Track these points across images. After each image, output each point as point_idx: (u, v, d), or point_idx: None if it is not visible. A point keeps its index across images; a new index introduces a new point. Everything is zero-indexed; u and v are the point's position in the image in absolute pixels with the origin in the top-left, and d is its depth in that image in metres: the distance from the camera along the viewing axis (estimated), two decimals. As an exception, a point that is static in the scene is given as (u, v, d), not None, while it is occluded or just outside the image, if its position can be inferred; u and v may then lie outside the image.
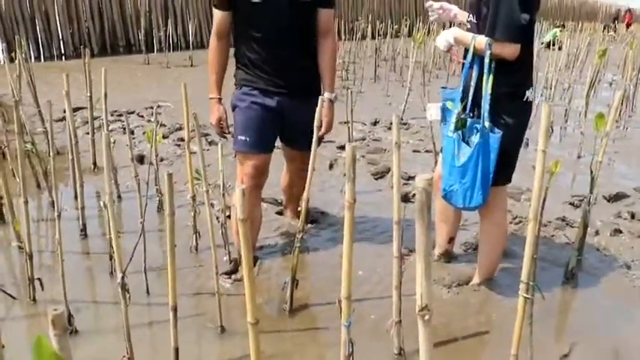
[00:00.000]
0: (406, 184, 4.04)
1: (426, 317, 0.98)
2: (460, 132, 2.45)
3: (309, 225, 3.38)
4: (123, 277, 1.85)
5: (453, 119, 2.46)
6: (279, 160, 3.31)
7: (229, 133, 2.80)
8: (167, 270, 1.71)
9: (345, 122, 4.84)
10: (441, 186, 2.54)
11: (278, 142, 3.04)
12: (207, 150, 4.68)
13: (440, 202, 2.77)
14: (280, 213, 3.51)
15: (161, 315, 2.30)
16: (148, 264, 2.66)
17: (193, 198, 2.93)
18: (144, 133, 5.09)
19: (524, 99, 2.46)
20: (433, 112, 2.54)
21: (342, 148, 4.94)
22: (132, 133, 5.15)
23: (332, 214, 3.56)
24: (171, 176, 1.53)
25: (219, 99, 2.81)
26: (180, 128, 5.30)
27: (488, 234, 2.65)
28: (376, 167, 4.47)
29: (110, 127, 5.12)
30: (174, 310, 1.67)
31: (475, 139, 2.40)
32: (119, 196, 3.78)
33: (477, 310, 2.55)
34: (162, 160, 4.49)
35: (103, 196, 3.49)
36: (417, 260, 0.99)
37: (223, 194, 2.88)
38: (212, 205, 3.54)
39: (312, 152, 2.42)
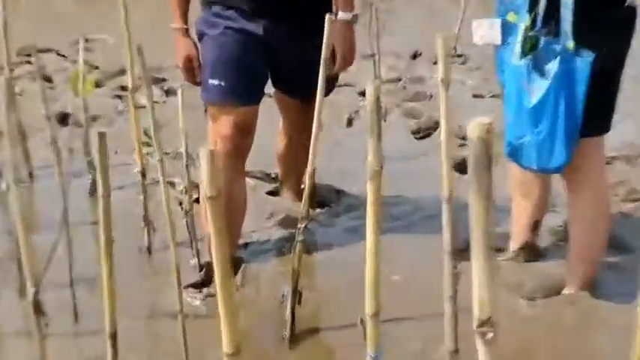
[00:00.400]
0: (462, 144, 4.00)
1: (489, 337, 0.95)
2: (531, 57, 2.43)
3: (318, 210, 3.37)
4: (36, 295, 1.83)
5: (518, 39, 2.44)
6: (271, 112, 3.27)
7: None
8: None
9: (370, 55, 4.79)
10: (506, 138, 2.53)
11: (268, 87, 3.01)
12: (163, 102, 4.67)
13: (518, 169, 2.75)
14: (275, 193, 3.50)
15: (96, 348, 2.29)
16: (75, 273, 2.65)
17: (142, 173, 2.92)
18: (67, 80, 5.05)
19: (626, 3, 2.45)
20: (485, 31, 2.48)
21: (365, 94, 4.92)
22: (48, 80, 5.11)
23: (352, 194, 3.54)
24: (104, 137, 1.52)
25: (186, 29, 2.81)
26: (122, 72, 5.27)
27: (580, 214, 2.64)
28: (417, 121, 4.44)
29: (15, 72, 5.08)
30: (113, 338, 1.67)
31: (553, 66, 2.39)
32: (30, 174, 3.77)
33: (573, 333, 2.53)
34: (95, 119, 4.46)
35: (6, 173, 3.47)
36: (473, 252, 0.95)
37: (187, 166, 2.86)
38: (171, 183, 3.53)
39: (317, 101, 2.39)
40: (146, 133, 2.87)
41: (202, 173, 1.21)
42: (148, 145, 2.83)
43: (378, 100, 1.51)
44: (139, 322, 2.61)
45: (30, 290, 1.84)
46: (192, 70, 2.80)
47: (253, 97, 2.80)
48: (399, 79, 5.21)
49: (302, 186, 3.17)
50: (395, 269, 2.87)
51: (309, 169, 2.45)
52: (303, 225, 2.43)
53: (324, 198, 3.47)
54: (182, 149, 2.87)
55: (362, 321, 1.68)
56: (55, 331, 2.45)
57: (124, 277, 2.78)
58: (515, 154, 2.52)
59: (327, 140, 4.19)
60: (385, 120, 4.07)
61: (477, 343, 1.00)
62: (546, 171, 2.55)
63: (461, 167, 3.67)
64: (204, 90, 2.77)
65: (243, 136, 2.77)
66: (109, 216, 1.58)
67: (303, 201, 2.44)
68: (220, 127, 2.75)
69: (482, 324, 0.97)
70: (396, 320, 2.53)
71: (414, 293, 2.77)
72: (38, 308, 1.84)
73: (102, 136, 1.50)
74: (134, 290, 2.79)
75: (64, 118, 4.37)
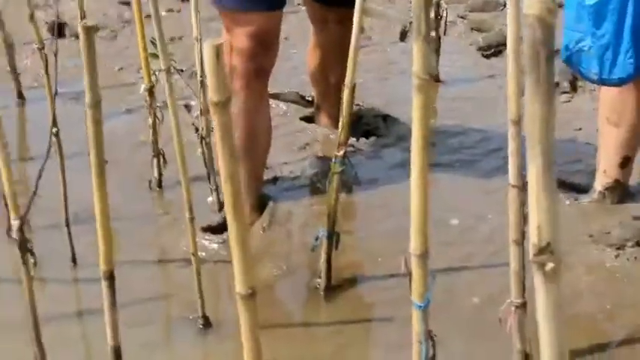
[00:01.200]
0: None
1: (549, 267, 0.93)
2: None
3: (362, 139, 3.38)
4: (21, 230, 1.84)
5: None
6: (300, 20, 3.25)
7: None
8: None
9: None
10: (563, 41, 2.53)
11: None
12: (178, 12, 4.67)
13: (609, 90, 2.74)
14: (311, 119, 3.51)
15: (97, 297, 2.34)
16: (73, 210, 2.70)
17: (150, 91, 2.93)
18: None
19: None
20: None
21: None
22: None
23: (404, 122, 3.51)
24: (91, 31, 1.50)
25: None
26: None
27: None
28: (486, 36, 4.38)
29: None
30: (110, 279, 1.68)
31: None
32: (20, 95, 3.82)
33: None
34: (96, 30, 4.48)
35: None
36: (529, 160, 0.94)
37: (203, 83, 2.86)
38: (187, 106, 3.55)
39: (357, 3, 2.34)
40: (153, 41, 2.87)
41: (206, 72, 1.20)
42: (155, 55, 2.82)
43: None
44: (147, 266, 2.67)
45: (14, 223, 1.86)
46: None
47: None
48: (464, -16, 5.14)
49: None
50: (453, 212, 2.89)
51: (347, 83, 2.41)
52: (341, 153, 2.42)
53: (370, 126, 3.47)
54: (197, 66, 2.88)
55: (405, 261, 1.68)
56: (48, 276, 2.53)
57: (129, 216, 2.88)
58: (572, 61, 2.51)
59: (375, 58, 4.18)
60: (445, 33, 4.02)
61: (534, 278, 0.98)
62: (608, 83, 2.54)
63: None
64: (214, -9, 2.72)
65: (264, 49, 2.73)
66: (99, 129, 1.57)
67: (340, 123, 2.41)
68: (236, 38, 2.71)
69: (540, 251, 0.93)
70: (453, 270, 2.57)
71: (475, 240, 2.78)
72: (24, 245, 1.85)
73: (89, 30, 1.48)
74: (141, 231, 2.85)
75: (60, 29, 4.39)
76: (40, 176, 2.04)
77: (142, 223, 2.91)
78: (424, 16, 1.53)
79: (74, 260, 2.68)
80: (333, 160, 2.45)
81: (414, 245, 1.66)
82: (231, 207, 1.31)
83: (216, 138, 1.28)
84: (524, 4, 0.91)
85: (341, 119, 2.42)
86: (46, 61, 2.73)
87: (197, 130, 3.03)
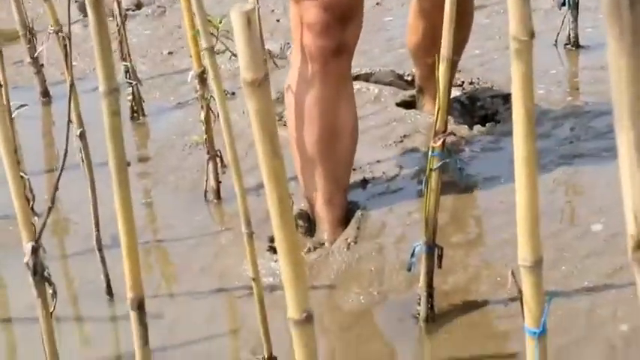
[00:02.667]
0: None
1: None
2: None
3: (477, 127, 3.39)
4: (36, 253, 1.91)
5: None
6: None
7: None
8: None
9: None
10: None
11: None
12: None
13: None
14: (409, 104, 3.54)
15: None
16: (108, 231, 2.76)
17: (201, 78, 3.00)
18: None
19: None
20: None
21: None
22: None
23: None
24: (99, 5, 1.54)
25: None
26: None
27: None
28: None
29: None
30: (139, 309, 1.69)
31: None
32: (46, 92, 3.94)
33: None
34: (139, 5, 4.62)
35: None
36: (618, 134, 0.96)
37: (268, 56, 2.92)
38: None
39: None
40: (210, 20, 2.92)
41: (236, 44, 1.23)
42: (212, 35, 2.87)
43: None
44: (204, 297, 2.76)
45: (26, 247, 1.90)
46: None
47: None
48: None
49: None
50: (597, 214, 2.90)
51: (444, 52, 2.32)
52: (438, 144, 2.40)
53: (487, 109, 3.50)
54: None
55: (512, 275, 1.68)
56: (79, 313, 2.61)
57: (184, 235, 3.00)
58: None
59: (497, 22, 4.14)
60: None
61: (635, 274, 1.00)
62: None
63: None
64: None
65: (342, 22, 2.72)
66: (117, 123, 1.59)
67: (436, 106, 2.39)
68: (305, 10, 2.71)
69: (639, 246, 0.96)
70: (597, 289, 2.59)
71: (625, 249, 2.76)
72: (39, 273, 1.91)
73: (97, 4, 1.50)
74: (198, 252, 2.95)
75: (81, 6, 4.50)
76: (56, 188, 2.10)
77: (199, 243, 3.00)
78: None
79: (109, 292, 2.75)
80: (430, 152, 2.43)
81: (522, 254, 1.64)
82: (278, 216, 1.35)
83: (252, 127, 1.32)
84: None
85: (437, 100, 2.40)
86: (65, 47, 2.77)
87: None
